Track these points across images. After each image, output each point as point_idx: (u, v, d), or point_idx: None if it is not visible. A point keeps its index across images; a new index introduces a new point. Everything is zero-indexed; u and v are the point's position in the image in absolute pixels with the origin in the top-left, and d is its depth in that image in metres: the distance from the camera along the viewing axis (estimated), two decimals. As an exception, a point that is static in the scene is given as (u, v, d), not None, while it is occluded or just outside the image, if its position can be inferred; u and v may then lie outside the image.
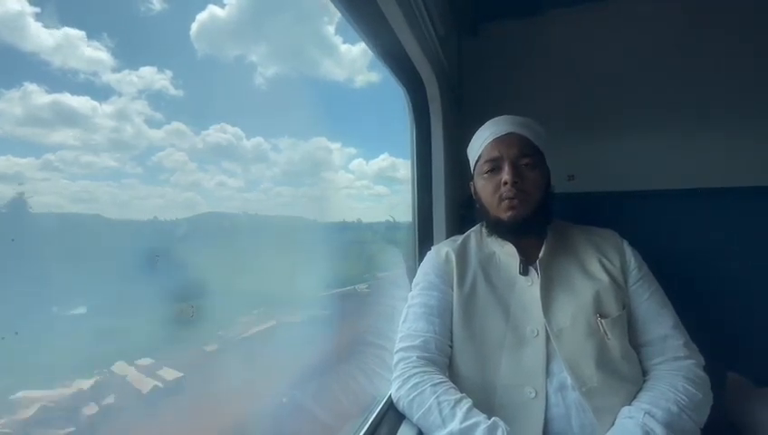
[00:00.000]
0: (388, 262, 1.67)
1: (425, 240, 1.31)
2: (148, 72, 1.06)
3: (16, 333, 0.60)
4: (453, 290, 0.92)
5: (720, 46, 1.27)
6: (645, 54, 1.34)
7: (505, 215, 0.90)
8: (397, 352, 0.88)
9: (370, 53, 1.09)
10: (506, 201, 0.89)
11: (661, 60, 1.32)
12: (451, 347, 0.89)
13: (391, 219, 1.58)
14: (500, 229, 0.94)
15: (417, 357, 0.84)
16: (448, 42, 1.28)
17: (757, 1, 1.23)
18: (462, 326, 0.88)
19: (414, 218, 1.34)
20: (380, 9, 0.83)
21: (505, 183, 0.88)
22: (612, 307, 0.85)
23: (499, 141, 0.92)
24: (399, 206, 1.47)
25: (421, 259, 1.04)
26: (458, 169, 1.37)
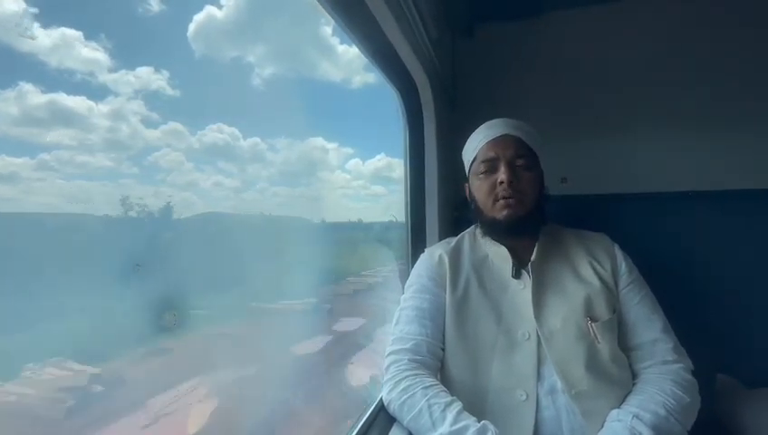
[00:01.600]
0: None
1: (418, 242, 1.31)
2: (144, 72, 1.06)
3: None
4: (446, 293, 0.92)
5: (716, 48, 1.27)
6: (639, 57, 1.34)
7: (501, 214, 0.90)
8: (388, 354, 0.88)
9: (366, 54, 1.09)
10: (502, 200, 0.89)
11: (656, 62, 1.33)
12: (443, 350, 0.89)
13: (394, 219, 1.59)
14: (495, 229, 0.94)
15: (409, 360, 0.84)
16: (442, 44, 1.28)
17: (751, 2, 1.24)
18: (454, 329, 0.88)
19: (407, 220, 1.34)
20: (371, 13, 0.83)
21: (501, 182, 0.88)
22: (603, 311, 0.86)
23: (495, 143, 0.92)
24: (397, 205, 1.48)
25: (414, 261, 1.04)
26: (452, 171, 1.37)
